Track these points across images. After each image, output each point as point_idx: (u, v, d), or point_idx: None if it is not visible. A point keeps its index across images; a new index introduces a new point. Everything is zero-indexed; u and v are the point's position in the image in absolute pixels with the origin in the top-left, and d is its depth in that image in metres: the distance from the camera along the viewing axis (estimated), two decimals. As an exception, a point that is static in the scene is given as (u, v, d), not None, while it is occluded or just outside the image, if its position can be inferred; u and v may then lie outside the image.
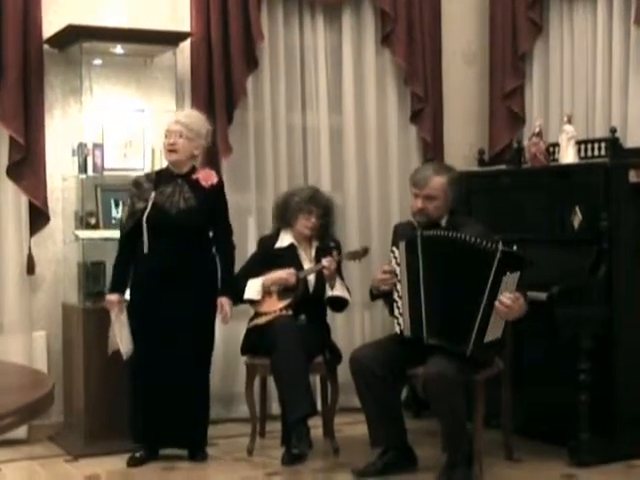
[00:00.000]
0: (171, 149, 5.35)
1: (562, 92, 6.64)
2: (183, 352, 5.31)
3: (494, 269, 4.70)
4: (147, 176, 5.49)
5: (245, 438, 5.64)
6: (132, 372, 5.41)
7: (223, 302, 5.41)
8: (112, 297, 5.40)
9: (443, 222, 5.13)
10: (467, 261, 4.81)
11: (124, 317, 5.39)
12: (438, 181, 5.07)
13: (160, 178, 5.43)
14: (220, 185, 5.51)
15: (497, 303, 4.72)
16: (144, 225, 5.29)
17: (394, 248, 5.09)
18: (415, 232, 5.01)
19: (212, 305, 5.41)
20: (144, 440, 5.42)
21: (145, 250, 5.31)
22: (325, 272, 5.50)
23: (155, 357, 5.30)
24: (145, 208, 5.31)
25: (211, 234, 5.46)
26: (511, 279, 4.72)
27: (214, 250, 5.47)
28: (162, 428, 5.38)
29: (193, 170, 5.44)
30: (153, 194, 5.33)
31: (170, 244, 5.29)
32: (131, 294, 5.46)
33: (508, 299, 4.71)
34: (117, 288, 5.43)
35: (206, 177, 5.44)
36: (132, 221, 5.36)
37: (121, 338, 5.37)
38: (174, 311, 5.28)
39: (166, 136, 5.38)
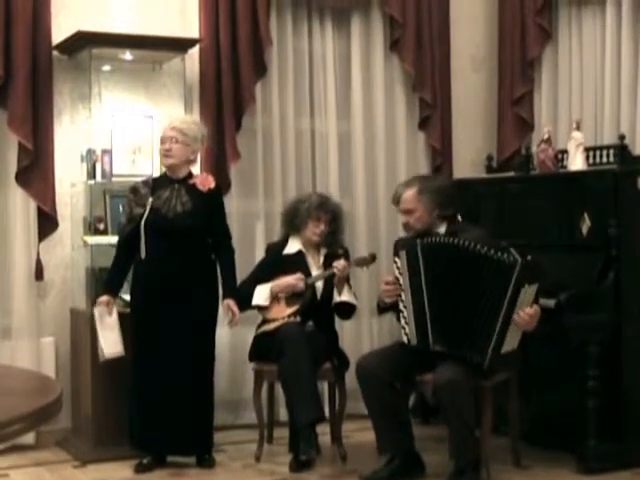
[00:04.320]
0: (167, 154, 5.40)
1: (571, 98, 6.64)
2: (184, 357, 5.32)
3: (513, 282, 4.70)
4: (144, 182, 5.50)
5: (253, 444, 5.63)
6: (134, 378, 5.41)
7: (229, 304, 5.43)
8: (101, 298, 5.44)
9: (442, 230, 5.14)
10: (478, 270, 4.80)
11: (112, 320, 5.42)
12: (408, 194, 5.14)
13: (157, 184, 5.46)
14: (218, 189, 5.54)
15: (516, 316, 4.72)
16: (142, 230, 5.32)
17: (396, 258, 5.10)
18: (415, 241, 5.02)
19: (212, 309, 5.43)
20: (143, 447, 5.43)
21: (142, 255, 5.34)
22: (337, 273, 5.49)
23: (157, 363, 5.31)
24: (143, 213, 5.34)
25: (210, 239, 5.47)
26: (530, 291, 4.73)
27: (213, 255, 5.48)
28: (165, 436, 5.37)
29: (190, 175, 5.46)
30: (150, 199, 5.36)
31: (168, 249, 5.32)
32: (131, 300, 5.49)
33: (528, 312, 4.71)
34: (108, 290, 5.48)
35: (203, 181, 5.46)
36: (130, 226, 5.40)
37: (104, 340, 5.39)
38: (174, 316, 5.30)
39: (162, 142, 5.42)
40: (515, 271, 4.69)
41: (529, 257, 4.76)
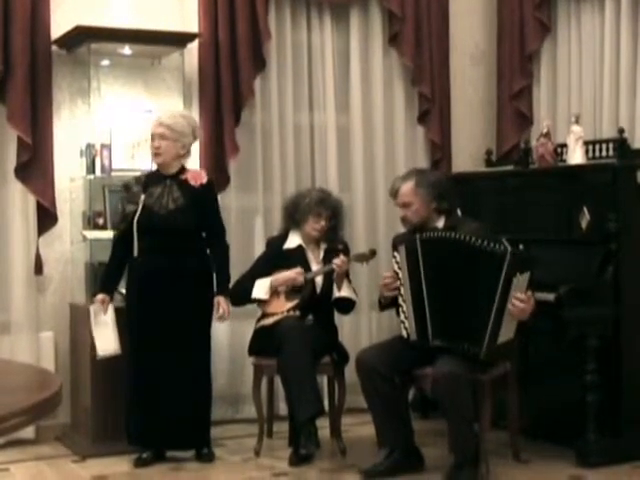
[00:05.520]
0: (156, 152, 5.38)
1: (570, 92, 6.64)
2: (181, 353, 5.32)
3: (504, 271, 4.71)
4: (136, 179, 5.49)
5: (252, 439, 5.64)
6: (130, 375, 5.41)
7: (220, 301, 5.42)
8: (97, 296, 5.44)
9: (440, 224, 5.16)
10: (472, 262, 4.82)
11: (108, 317, 5.42)
12: (406, 187, 5.18)
13: (150, 180, 5.45)
14: (210, 184, 5.52)
15: (510, 305, 4.74)
16: (134, 228, 5.32)
17: (395, 253, 5.12)
18: (414, 236, 5.03)
19: (208, 305, 5.42)
20: (141, 443, 5.43)
21: (135, 253, 5.34)
22: (337, 270, 5.49)
23: (153, 359, 5.31)
24: (135, 211, 5.34)
25: (204, 234, 5.47)
26: (522, 280, 4.74)
27: (208, 251, 5.47)
28: (163, 431, 5.37)
29: (182, 170, 5.45)
30: (143, 196, 5.36)
31: (162, 246, 5.31)
32: (127, 297, 5.50)
33: (521, 300, 4.73)
34: (103, 288, 5.48)
35: (195, 176, 5.45)
36: (124, 224, 5.40)
37: (98, 339, 5.41)
38: (169, 312, 5.29)
39: (151, 139, 5.40)
40: (506, 260, 4.71)
41: (521, 246, 4.77)
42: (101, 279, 5.58)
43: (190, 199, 5.36)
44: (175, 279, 5.30)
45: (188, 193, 5.38)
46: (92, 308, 5.44)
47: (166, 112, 5.61)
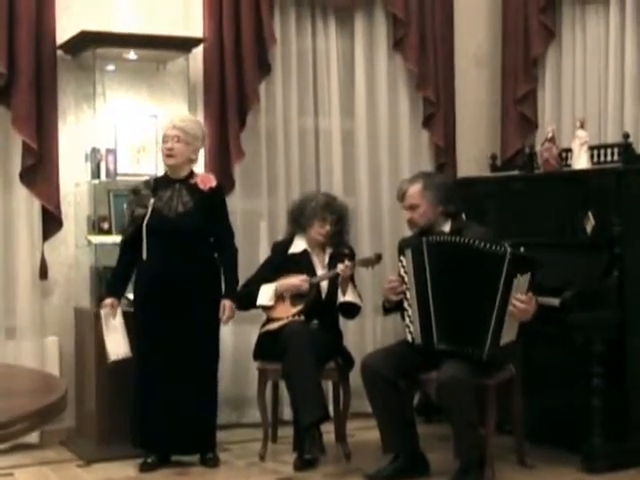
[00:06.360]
0: (169, 154, 5.38)
1: (574, 97, 6.63)
2: (187, 358, 5.31)
3: (504, 272, 4.74)
4: (145, 183, 5.49)
5: (257, 443, 5.63)
6: (136, 379, 5.40)
7: (226, 305, 5.41)
8: (106, 301, 5.43)
9: (447, 228, 5.16)
10: (476, 265, 4.85)
11: (117, 321, 5.42)
12: (413, 189, 5.19)
13: (158, 184, 5.45)
14: (219, 188, 5.52)
15: (511, 306, 4.75)
16: (144, 231, 5.32)
17: (402, 257, 5.12)
18: (420, 239, 5.03)
19: (216, 309, 5.41)
20: (146, 447, 5.42)
21: (144, 256, 5.34)
22: (341, 275, 5.49)
23: (159, 363, 5.31)
24: (145, 214, 5.34)
25: (212, 238, 5.47)
26: (522, 281, 4.77)
27: (216, 254, 5.48)
28: (168, 435, 5.36)
29: (191, 174, 5.46)
30: (152, 200, 5.36)
31: (171, 249, 5.31)
32: (134, 301, 5.49)
33: (522, 301, 4.74)
34: (112, 292, 5.48)
35: (204, 180, 5.46)
36: (132, 228, 5.40)
37: (110, 341, 5.40)
38: (178, 316, 5.29)
39: (164, 141, 5.40)
40: (505, 262, 4.73)
41: (522, 249, 4.80)
42: (109, 283, 5.58)
43: (199, 203, 5.37)
44: (183, 282, 5.30)
45: (197, 197, 5.39)
46: (103, 313, 5.44)
47: (178, 115, 5.64)
